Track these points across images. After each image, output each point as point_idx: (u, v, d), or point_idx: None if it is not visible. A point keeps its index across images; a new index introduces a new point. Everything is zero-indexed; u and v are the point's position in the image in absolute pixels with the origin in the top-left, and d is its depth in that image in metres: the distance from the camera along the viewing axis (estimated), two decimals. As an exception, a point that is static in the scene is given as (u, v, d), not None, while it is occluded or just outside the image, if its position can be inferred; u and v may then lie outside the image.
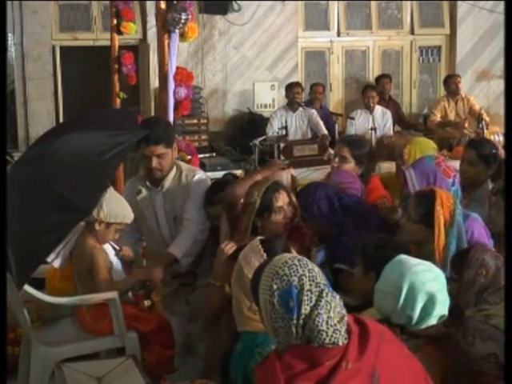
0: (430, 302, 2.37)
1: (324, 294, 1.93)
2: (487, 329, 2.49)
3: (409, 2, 8.98)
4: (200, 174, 3.89)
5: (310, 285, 1.92)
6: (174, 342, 3.51)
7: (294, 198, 3.35)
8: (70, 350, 3.39)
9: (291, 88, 7.34)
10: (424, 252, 2.99)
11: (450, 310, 2.49)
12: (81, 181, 3.28)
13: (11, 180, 3.33)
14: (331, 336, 1.90)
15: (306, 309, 1.90)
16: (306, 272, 1.95)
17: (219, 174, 5.07)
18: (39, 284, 3.60)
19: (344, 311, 1.98)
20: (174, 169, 3.87)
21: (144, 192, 3.91)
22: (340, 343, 1.90)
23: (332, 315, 1.92)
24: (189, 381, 2.77)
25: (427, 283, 2.38)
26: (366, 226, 3.37)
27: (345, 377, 1.90)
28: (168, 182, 3.84)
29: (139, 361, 3.20)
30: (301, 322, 1.91)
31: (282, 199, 3.27)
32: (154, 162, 3.74)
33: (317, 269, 1.98)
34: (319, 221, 3.36)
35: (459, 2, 9.00)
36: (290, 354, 1.94)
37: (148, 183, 3.88)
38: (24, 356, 3.54)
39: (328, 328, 1.90)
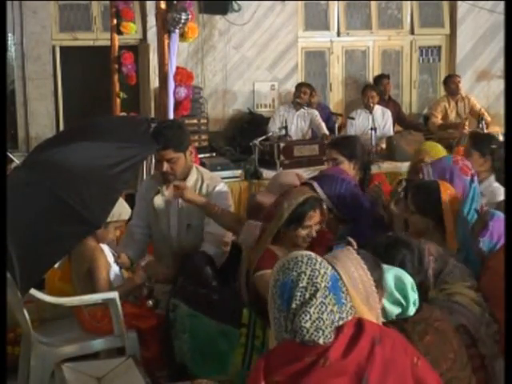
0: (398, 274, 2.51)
1: (319, 295, 1.95)
2: (451, 305, 2.71)
3: (409, 1, 8.97)
4: (221, 186, 3.86)
5: (307, 283, 1.97)
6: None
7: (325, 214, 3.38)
8: (70, 349, 3.39)
9: (300, 87, 7.43)
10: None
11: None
12: (91, 194, 3.24)
13: (16, 182, 3.31)
14: (311, 334, 1.94)
15: (296, 304, 1.96)
16: (308, 270, 1.98)
17: (219, 174, 5.07)
18: (39, 284, 3.60)
19: (344, 315, 1.99)
20: (195, 175, 3.85)
21: (161, 194, 3.90)
22: (321, 342, 1.94)
23: (324, 317, 1.95)
24: (189, 381, 2.78)
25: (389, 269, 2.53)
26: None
27: (325, 374, 1.93)
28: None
29: (139, 361, 3.20)
30: (290, 316, 1.96)
31: (314, 219, 3.25)
32: (165, 166, 3.73)
33: (323, 270, 2.00)
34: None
35: (459, 2, 8.99)
36: (277, 349, 2.01)
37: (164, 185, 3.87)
38: (24, 356, 3.54)
39: (311, 326, 1.94)
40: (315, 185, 3.53)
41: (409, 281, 2.49)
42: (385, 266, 2.50)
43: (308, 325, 1.94)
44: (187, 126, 6.99)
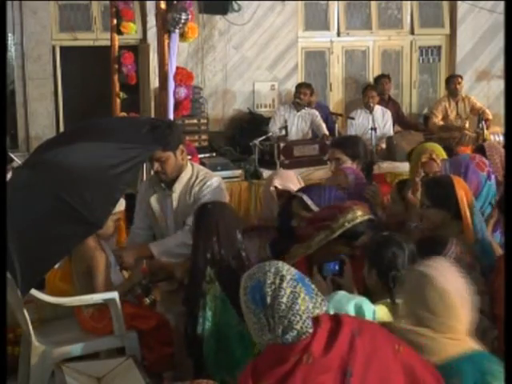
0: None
1: (287, 285, 2.04)
2: None
3: (409, 1, 8.98)
4: (212, 181, 3.85)
5: (274, 277, 2.06)
6: (173, 339, 3.52)
7: None
8: (69, 349, 3.39)
9: (300, 88, 7.39)
10: (448, 235, 3.10)
11: None
12: (93, 194, 3.23)
13: (17, 183, 3.31)
14: (289, 319, 2.00)
15: (269, 298, 2.04)
16: (273, 268, 2.09)
17: (219, 174, 5.06)
18: (39, 284, 3.60)
19: (318, 305, 2.06)
20: (189, 172, 3.86)
21: (157, 193, 3.91)
22: (298, 327, 2.00)
23: (299, 301, 2.02)
24: (189, 381, 2.77)
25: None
26: None
27: (311, 371, 1.97)
28: (180, 186, 3.83)
29: (139, 361, 3.20)
30: (269, 312, 2.03)
31: (363, 240, 3.14)
32: (156, 165, 3.75)
33: (287, 267, 2.11)
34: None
35: (459, 2, 8.99)
36: (263, 354, 2.07)
37: (162, 185, 3.88)
38: (24, 356, 3.54)
39: (287, 312, 2.01)
40: (305, 197, 3.49)
41: (369, 309, 2.50)
42: (347, 296, 2.54)
43: (284, 313, 2.01)
44: (187, 126, 7.06)
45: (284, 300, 2.02)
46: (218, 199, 3.78)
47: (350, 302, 2.49)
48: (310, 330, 2.01)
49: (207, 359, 3.00)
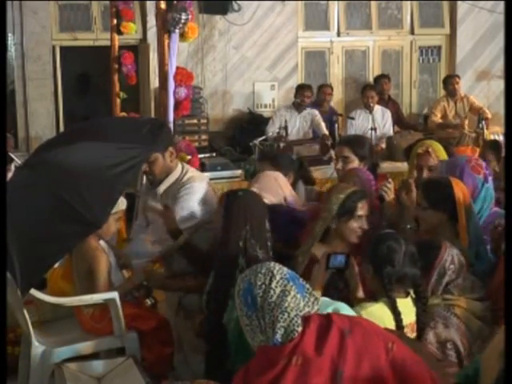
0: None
1: (276, 284, 2.05)
2: (450, 317, 2.77)
3: (409, 1, 8.97)
4: (194, 184, 3.79)
5: (264, 278, 2.07)
6: (173, 339, 3.52)
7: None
8: (70, 350, 3.39)
9: (302, 90, 7.35)
10: (444, 237, 3.08)
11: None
12: (92, 194, 3.24)
13: (17, 183, 3.32)
14: (277, 317, 2.00)
15: (260, 300, 2.05)
16: (263, 269, 2.10)
17: (219, 174, 5.07)
18: (39, 284, 3.60)
19: (310, 304, 2.07)
20: (177, 174, 3.84)
21: (149, 193, 3.92)
22: (284, 325, 2.00)
23: (288, 299, 2.03)
24: (189, 381, 2.77)
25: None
26: None
27: (302, 373, 1.96)
28: (164, 187, 3.83)
29: (139, 361, 3.20)
30: (260, 313, 2.04)
31: (364, 209, 3.21)
32: (144, 166, 3.74)
33: (278, 267, 2.11)
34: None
35: (459, 2, 8.99)
36: (254, 358, 2.07)
37: (150, 186, 3.90)
38: (24, 356, 3.55)
39: (276, 310, 2.02)
40: None
41: (350, 313, 2.49)
42: (327, 301, 2.52)
43: (273, 311, 2.02)
44: (187, 126, 7.07)
45: (273, 299, 2.03)
46: (200, 202, 3.75)
47: (328, 308, 2.46)
48: (299, 329, 2.00)
49: (231, 347, 2.97)
